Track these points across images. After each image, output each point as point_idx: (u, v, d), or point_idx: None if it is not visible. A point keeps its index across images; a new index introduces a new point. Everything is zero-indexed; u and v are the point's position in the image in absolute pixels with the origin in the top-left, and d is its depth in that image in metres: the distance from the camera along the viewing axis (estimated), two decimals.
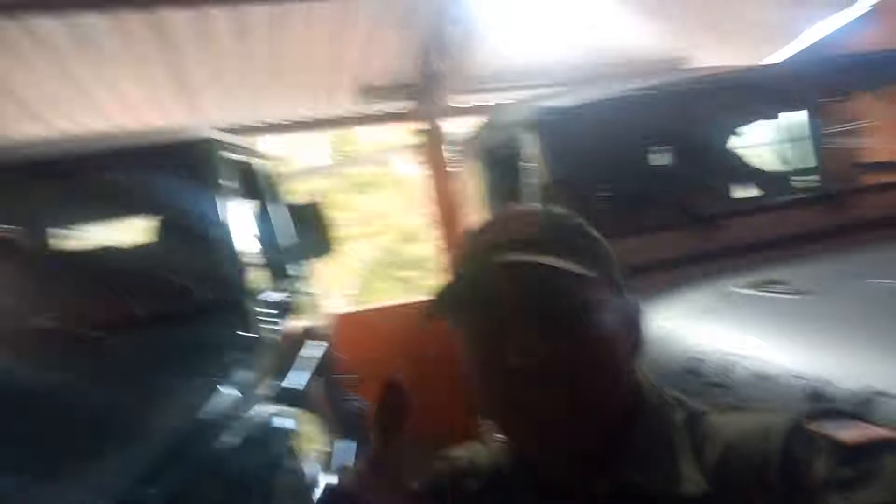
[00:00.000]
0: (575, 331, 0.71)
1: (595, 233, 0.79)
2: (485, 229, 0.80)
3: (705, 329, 1.73)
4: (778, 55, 4.83)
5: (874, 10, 3.99)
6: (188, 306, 1.97)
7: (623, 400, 0.75)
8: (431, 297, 0.75)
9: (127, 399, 1.50)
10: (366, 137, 9.64)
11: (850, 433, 0.64)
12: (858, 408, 1.17)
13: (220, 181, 2.13)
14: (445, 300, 0.76)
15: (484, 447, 0.92)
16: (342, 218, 9.79)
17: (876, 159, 2.80)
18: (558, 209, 0.81)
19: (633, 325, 0.78)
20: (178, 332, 1.86)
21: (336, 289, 10.30)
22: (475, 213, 3.36)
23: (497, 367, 0.72)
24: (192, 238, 2.10)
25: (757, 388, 1.41)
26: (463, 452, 0.94)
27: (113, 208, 2.62)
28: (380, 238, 10.48)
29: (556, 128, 2.32)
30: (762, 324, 1.66)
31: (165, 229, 2.33)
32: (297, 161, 9.59)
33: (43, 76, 3.68)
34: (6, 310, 1.86)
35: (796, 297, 1.67)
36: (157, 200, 2.29)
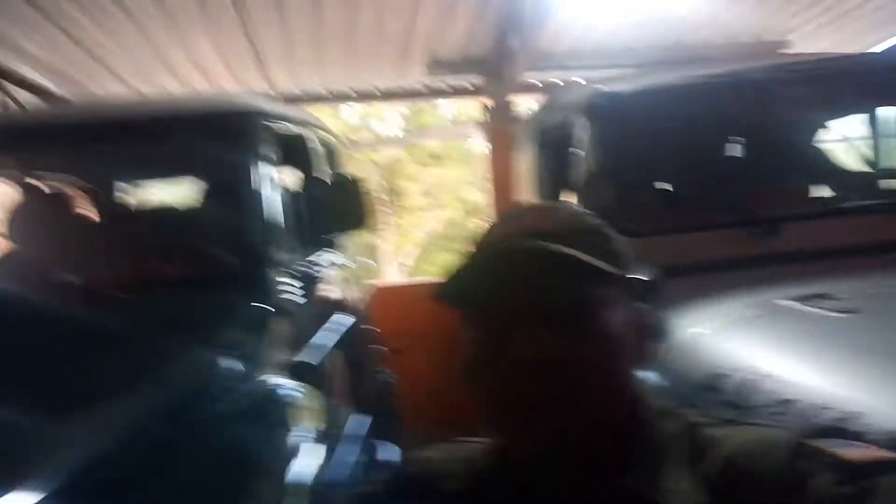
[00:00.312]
0: (585, 329, 0.69)
1: (616, 234, 0.76)
2: (501, 221, 0.79)
3: (737, 342, 1.58)
4: (888, 43, 4.44)
5: None
6: (212, 273, 1.98)
7: (624, 407, 0.73)
8: (440, 282, 0.73)
9: (128, 358, 1.52)
10: (439, 110, 9.61)
11: (855, 452, 0.63)
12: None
13: (262, 151, 2.12)
14: (453, 286, 0.73)
15: (462, 448, 0.86)
16: (408, 189, 9.91)
17: None
18: (580, 208, 0.78)
19: (646, 333, 0.75)
20: (196, 297, 1.86)
21: (395, 258, 10.40)
22: (529, 195, 3.26)
23: (499, 358, 0.69)
24: (225, 205, 2.11)
25: (776, 413, 1.27)
26: (436, 453, 0.88)
27: (156, 171, 2.67)
28: (444, 211, 10.45)
29: (609, 113, 2.19)
30: (798, 342, 1.51)
31: (201, 195, 2.36)
32: (368, 131, 9.69)
33: (126, 41, 3.81)
34: (37, 262, 1.92)
35: (843, 315, 1.51)
36: (197, 167, 2.31)
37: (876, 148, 2.66)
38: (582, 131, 2.30)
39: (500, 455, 0.78)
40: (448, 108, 9.36)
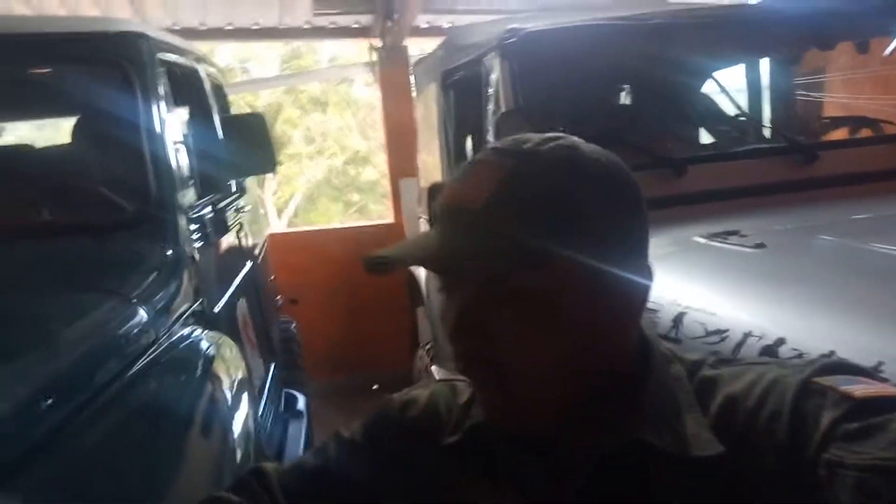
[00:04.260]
0: (533, 308, 0.64)
1: (588, 193, 0.66)
2: (449, 182, 0.71)
3: (661, 277, 1.64)
4: None
5: None
6: (107, 217, 1.80)
7: (628, 359, 0.70)
8: (377, 254, 0.68)
9: (22, 310, 1.34)
10: (321, 52, 9.26)
11: (860, 388, 0.60)
12: None
13: (154, 83, 1.92)
14: (392, 259, 0.68)
15: (448, 390, 0.82)
16: (290, 135, 9.56)
17: (848, 113, 2.73)
18: (543, 159, 0.66)
19: (636, 287, 0.70)
20: (92, 243, 1.68)
21: (279, 207, 10.06)
22: (428, 139, 3.21)
23: (469, 329, 0.66)
24: (116, 144, 1.90)
25: (707, 343, 1.33)
26: (422, 393, 0.83)
27: (26, 103, 2.37)
28: (327, 158, 10.16)
29: (521, 51, 2.16)
30: (718, 276, 1.59)
31: (86, 131, 2.11)
32: (245, 71, 9.19)
33: None
34: None
35: (754, 249, 1.61)
36: (79, 98, 2.06)
37: (759, 97, 2.83)
38: (491, 71, 2.27)
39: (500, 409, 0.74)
40: (328, 50, 9.03)
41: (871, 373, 0.65)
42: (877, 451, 0.54)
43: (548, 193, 0.64)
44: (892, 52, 2.60)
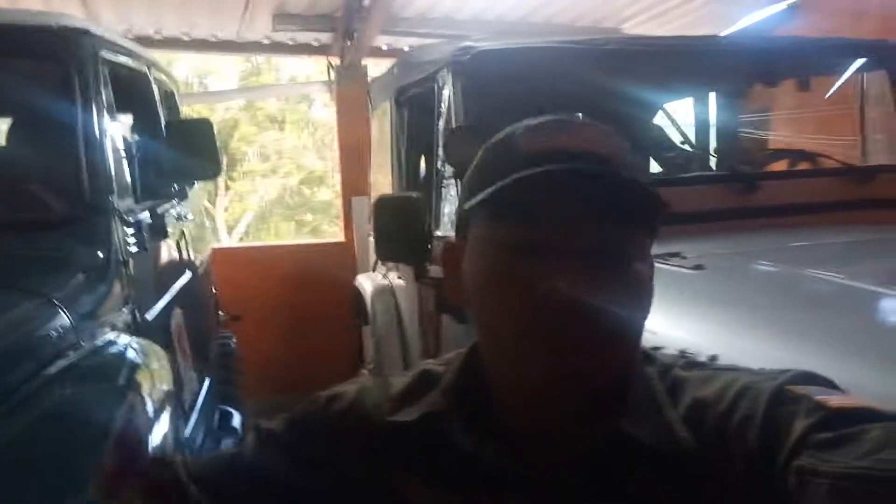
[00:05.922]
0: (624, 271, 0.64)
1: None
2: (534, 131, 0.70)
3: None
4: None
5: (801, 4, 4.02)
6: (35, 216, 1.73)
7: (634, 355, 0.70)
8: (492, 190, 0.64)
9: None
10: (281, 70, 9.22)
11: (835, 398, 0.60)
12: None
13: (96, 82, 1.86)
14: (505, 195, 0.63)
15: (384, 385, 0.79)
16: (245, 152, 9.44)
17: (789, 147, 2.81)
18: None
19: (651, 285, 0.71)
20: (18, 242, 1.61)
21: (230, 224, 9.90)
22: (381, 158, 3.19)
23: (532, 285, 0.62)
24: (50, 142, 1.84)
25: None
26: (350, 389, 0.80)
27: None
28: (282, 177, 10.06)
29: (473, 69, 2.17)
30: (657, 295, 1.60)
31: (20, 129, 2.04)
32: (203, 86, 9.08)
33: None
34: None
35: (693, 271, 1.63)
36: (14, 93, 1.99)
37: (706, 128, 2.90)
38: (444, 88, 2.27)
39: (476, 390, 0.72)
40: (288, 69, 9.00)
41: (841, 388, 0.65)
42: (850, 461, 0.53)
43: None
44: (831, 94, 2.69)
